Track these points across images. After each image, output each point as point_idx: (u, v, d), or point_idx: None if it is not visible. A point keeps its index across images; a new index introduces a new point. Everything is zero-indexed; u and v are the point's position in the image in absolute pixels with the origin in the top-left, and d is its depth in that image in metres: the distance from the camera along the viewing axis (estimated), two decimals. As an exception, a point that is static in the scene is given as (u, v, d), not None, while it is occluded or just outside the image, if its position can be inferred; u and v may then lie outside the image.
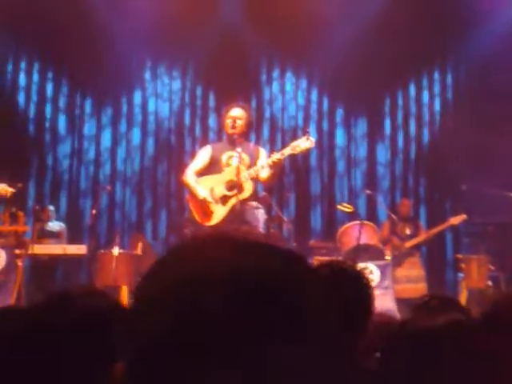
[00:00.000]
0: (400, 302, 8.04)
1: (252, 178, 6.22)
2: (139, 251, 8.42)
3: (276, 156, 6.10)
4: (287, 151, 6.12)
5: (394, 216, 9.12)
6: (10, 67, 10.97)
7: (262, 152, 6.63)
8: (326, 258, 7.82)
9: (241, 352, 0.77)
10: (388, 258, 8.62)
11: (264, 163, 6.22)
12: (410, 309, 2.26)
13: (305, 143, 6.15)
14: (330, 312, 0.86)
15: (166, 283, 0.82)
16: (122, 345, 1.44)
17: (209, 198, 6.25)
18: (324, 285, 0.90)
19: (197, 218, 6.37)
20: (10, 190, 7.71)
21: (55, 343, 1.47)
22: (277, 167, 6.17)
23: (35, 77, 11.04)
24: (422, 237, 9.12)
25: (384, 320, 2.57)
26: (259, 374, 0.78)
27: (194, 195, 6.38)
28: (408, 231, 9.15)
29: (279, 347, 0.79)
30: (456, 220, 9.02)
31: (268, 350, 0.78)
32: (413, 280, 8.80)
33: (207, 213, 6.29)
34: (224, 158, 6.42)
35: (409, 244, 9.01)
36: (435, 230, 9.18)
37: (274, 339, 0.79)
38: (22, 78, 10.96)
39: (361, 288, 2.13)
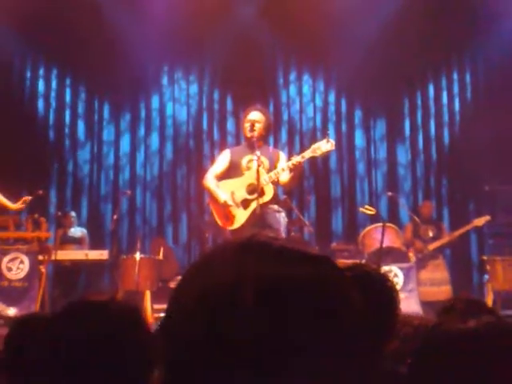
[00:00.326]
0: (424, 304, 8.00)
1: (272, 182, 6.19)
2: (161, 256, 8.42)
3: (296, 159, 6.05)
4: (308, 154, 6.09)
5: (416, 218, 9.02)
6: (28, 74, 11.05)
7: (282, 155, 6.61)
8: (349, 261, 7.78)
9: (272, 360, 0.77)
10: (411, 260, 8.60)
11: (284, 166, 6.19)
12: (436, 312, 2.23)
13: (325, 145, 6.10)
14: (362, 316, 0.85)
15: (200, 290, 0.82)
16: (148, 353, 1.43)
17: (229, 202, 6.23)
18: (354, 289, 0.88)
19: (218, 221, 6.37)
20: (28, 198, 7.79)
21: (71, 354, 1.47)
22: (297, 170, 6.12)
23: (53, 83, 11.12)
24: (445, 239, 9.04)
25: (419, 323, 2.55)
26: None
27: (214, 199, 6.36)
28: (431, 233, 9.07)
29: (314, 355, 0.78)
30: (480, 221, 8.93)
31: (300, 357, 0.77)
32: (437, 283, 8.73)
33: (229, 217, 6.28)
34: (244, 161, 6.40)
35: (432, 246, 8.93)
36: (459, 232, 9.10)
37: (310, 349, 0.78)
38: (40, 85, 11.04)
39: (385, 291, 2.10)
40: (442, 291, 8.51)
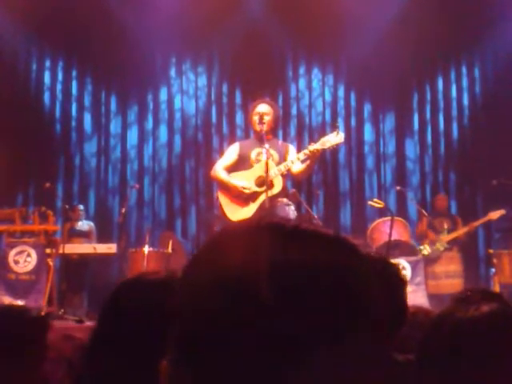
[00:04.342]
0: (439, 297, 8.04)
1: (282, 174, 6.18)
2: (169, 249, 8.39)
3: (314, 146, 6.01)
4: (317, 146, 6.05)
5: (424, 212, 9.09)
6: (33, 66, 11.00)
7: (291, 148, 6.61)
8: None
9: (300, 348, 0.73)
10: (426, 252, 8.66)
11: (294, 158, 6.18)
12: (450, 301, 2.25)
13: (335, 138, 6.08)
14: (383, 303, 0.82)
15: (210, 280, 0.77)
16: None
17: (247, 185, 6.21)
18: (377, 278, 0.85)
19: (227, 214, 6.34)
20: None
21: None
22: (314, 158, 6.09)
23: (60, 75, 11.07)
24: (459, 232, 9.03)
25: (414, 311, 2.56)
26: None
27: (226, 189, 6.34)
28: (446, 226, 9.06)
29: (333, 347, 0.74)
30: (495, 215, 8.94)
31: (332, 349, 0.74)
32: (451, 275, 8.77)
33: (237, 209, 6.27)
34: (253, 154, 6.40)
35: (446, 239, 8.92)
36: (473, 225, 9.13)
37: (343, 337, 0.75)
38: (46, 77, 11.00)
39: (393, 279, 2.12)
40: (456, 284, 8.53)
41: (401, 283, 2.13)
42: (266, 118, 6.38)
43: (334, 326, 0.74)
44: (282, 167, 6.17)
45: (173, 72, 11.16)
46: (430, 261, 8.77)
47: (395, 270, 2.20)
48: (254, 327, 0.73)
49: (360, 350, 0.76)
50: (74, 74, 11.11)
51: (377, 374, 0.79)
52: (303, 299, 0.73)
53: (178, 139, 11.03)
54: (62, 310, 7.76)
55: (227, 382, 0.74)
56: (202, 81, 11.15)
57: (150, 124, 11.08)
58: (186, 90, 11.13)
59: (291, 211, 6.39)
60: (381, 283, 1.90)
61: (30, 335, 2.37)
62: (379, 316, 0.80)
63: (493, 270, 8.78)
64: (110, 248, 8.69)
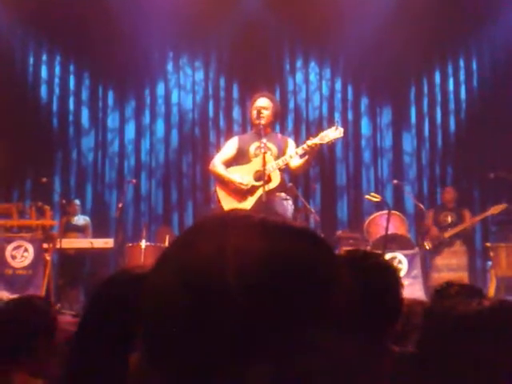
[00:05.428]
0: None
1: (280, 168, 6.16)
2: (167, 244, 8.39)
3: (313, 141, 6.00)
4: (315, 141, 6.04)
5: (421, 205, 9.09)
6: (31, 60, 10.97)
7: (291, 142, 6.58)
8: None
9: (264, 338, 0.74)
10: (428, 247, 8.73)
11: (292, 153, 6.17)
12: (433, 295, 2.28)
13: (334, 133, 6.07)
14: (351, 290, 0.82)
15: (179, 269, 0.78)
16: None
17: (245, 182, 6.19)
18: (346, 269, 0.85)
19: (224, 208, 6.32)
20: None
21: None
22: (313, 153, 6.08)
23: (57, 70, 11.06)
24: (460, 226, 9.00)
25: (408, 303, 2.57)
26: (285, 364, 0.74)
27: (224, 183, 6.33)
28: (450, 219, 9.03)
29: (307, 334, 0.75)
30: (497, 209, 8.90)
31: (294, 337, 0.74)
32: (453, 269, 8.75)
33: (235, 203, 6.25)
34: (252, 149, 6.37)
35: (448, 234, 8.91)
36: (475, 219, 9.12)
37: (302, 326, 0.75)
38: (43, 71, 10.98)
39: (386, 274, 2.13)
40: (459, 277, 8.51)
41: (395, 277, 2.14)
42: (265, 112, 6.35)
43: (303, 318, 0.74)
44: (280, 161, 6.15)
45: (170, 67, 11.15)
46: (432, 253, 8.81)
47: (388, 265, 2.22)
48: (221, 323, 0.73)
49: (334, 341, 0.76)
50: (71, 68, 11.10)
51: (356, 364, 0.80)
52: (271, 291, 0.74)
53: (175, 134, 11.03)
54: (59, 305, 7.76)
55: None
56: (199, 75, 11.13)
57: (147, 119, 11.08)
58: (183, 85, 11.12)
59: (289, 205, 6.38)
60: (374, 277, 1.91)
61: (48, 326, 2.39)
62: (351, 305, 0.80)
63: (490, 263, 8.78)
64: (107, 243, 8.68)
